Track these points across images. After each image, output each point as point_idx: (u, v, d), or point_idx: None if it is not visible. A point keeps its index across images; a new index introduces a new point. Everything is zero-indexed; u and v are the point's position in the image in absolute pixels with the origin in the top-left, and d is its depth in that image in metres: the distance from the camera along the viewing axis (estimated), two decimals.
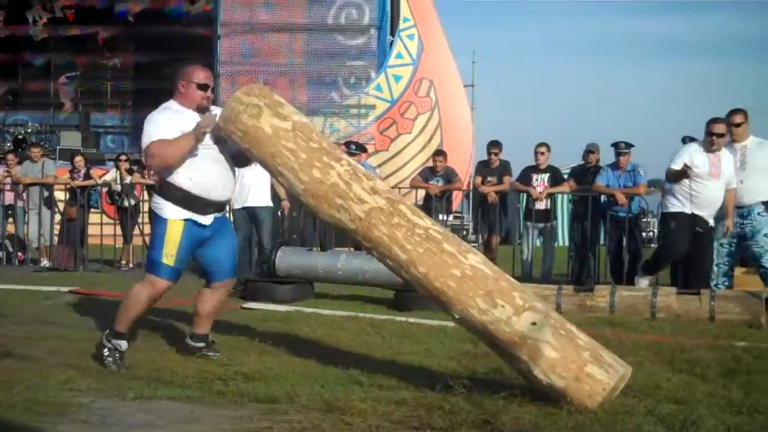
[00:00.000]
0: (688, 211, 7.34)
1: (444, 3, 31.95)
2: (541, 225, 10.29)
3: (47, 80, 21.24)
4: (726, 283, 7.73)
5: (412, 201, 10.84)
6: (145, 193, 11.94)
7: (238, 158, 4.82)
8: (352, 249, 8.76)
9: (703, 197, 7.30)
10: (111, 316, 5.07)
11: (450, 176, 10.84)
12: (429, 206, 10.51)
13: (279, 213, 10.60)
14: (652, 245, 14.76)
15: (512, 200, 11.12)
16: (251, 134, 4.41)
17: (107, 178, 12.22)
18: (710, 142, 7.32)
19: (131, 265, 11.71)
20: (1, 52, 19.67)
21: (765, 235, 7.60)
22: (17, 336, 5.57)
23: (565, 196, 11.26)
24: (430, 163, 11.48)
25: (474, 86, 18.34)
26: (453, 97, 17.30)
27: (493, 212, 10.48)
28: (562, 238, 14.93)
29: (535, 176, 10.26)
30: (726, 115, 7.63)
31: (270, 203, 9.25)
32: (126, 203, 11.80)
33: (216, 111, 4.75)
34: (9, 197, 12.20)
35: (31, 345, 5.23)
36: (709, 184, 7.31)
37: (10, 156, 12.77)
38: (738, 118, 7.68)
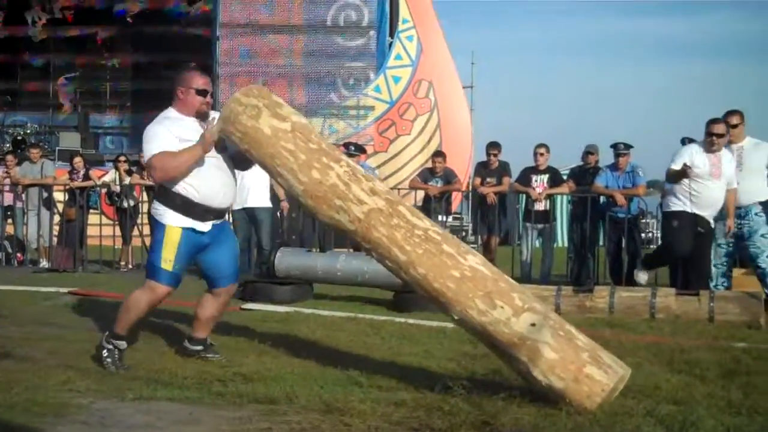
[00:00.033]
0: (690, 210, 7.34)
1: (443, 4, 31.95)
2: (540, 226, 10.29)
3: (46, 81, 21.24)
4: (725, 284, 7.75)
5: (412, 202, 10.85)
6: (144, 194, 11.93)
7: (238, 160, 4.82)
8: (351, 250, 8.76)
9: (704, 197, 7.30)
10: (110, 316, 5.07)
11: (449, 177, 10.85)
12: (428, 207, 10.51)
13: (278, 214, 10.61)
14: (652, 246, 14.76)
15: (511, 201, 11.12)
16: (250, 135, 4.41)
17: (106, 179, 12.21)
18: (710, 142, 7.33)
19: (130, 266, 11.70)
20: (0, 53, 19.67)
21: (762, 236, 7.63)
22: (16, 337, 5.56)
23: (565, 197, 11.28)
24: (430, 164, 11.49)
25: (473, 87, 18.41)
26: (452, 98, 17.31)
27: (492, 213, 10.48)
28: (562, 239, 14.94)
29: (534, 177, 10.26)
30: (722, 116, 7.64)
31: (269, 204, 9.25)
32: (125, 204, 11.79)
33: (215, 116, 4.74)
34: (8, 198, 12.19)
35: (30, 346, 5.23)
36: (710, 184, 7.31)
37: (9, 157, 12.75)
38: (734, 119, 7.70)
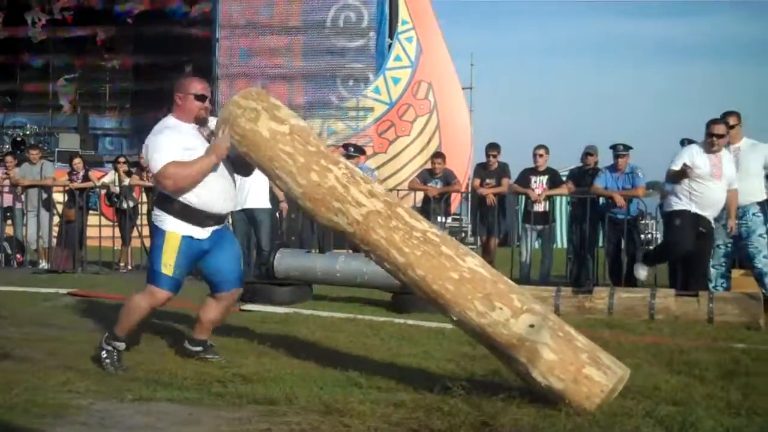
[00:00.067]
0: (692, 210, 7.35)
1: (442, 5, 31.97)
2: (539, 227, 10.30)
3: (46, 82, 21.24)
4: (724, 285, 7.77)
5: (411, 203, 10.85)
6: (144, 195, 11.94)
7: (239, 165, 4.80)
8: (350, 251, 8.76)
9: (705, 198, 7.32)
10: (110, 317, 5.07)
11: (448, 178, 10.85)
12: (428, 208, 10.51)
13: (277, 215, 10.61)
14: (651, 247, 14.76)
15: (511, 202, 11.12)
16: (249, 138, 4.41)
17: (106, 180, 12.21)
18: (710, 143, 7.34)
19: (130, 267, 11.71)
20: (0, 54, 19.67)
21: (760, 236, 7.69)
22: (16, 338, 5.56)
23: (564, 198, 11.27)
24: (429, 165, 11.49)
25: (472, 88, 18.41)
26: (451, 99, 17.32)
27: (491, 214, 10.48)
28: (561, 240, 14.93)
29: (533, 178, 10.27)
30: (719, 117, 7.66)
31: (268, 205, 9.24)
32: (124, 205, 11.79)
33: (214, 121, 4.74)
34: (7, 199, 12.18)
35: (30, 347, 5.23)
36: (711, 184, 7.33)
37: (9, 158, 12.75)
38: (731, 121, 7.73)
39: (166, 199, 4.68)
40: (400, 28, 17.13)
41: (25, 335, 5.70)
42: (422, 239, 4.10)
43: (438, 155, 11.31)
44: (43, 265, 11.54)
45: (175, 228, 4.65)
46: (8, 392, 3.95)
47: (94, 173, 12.61)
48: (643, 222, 12.26)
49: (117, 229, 11.90)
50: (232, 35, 16.98)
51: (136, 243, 11.75)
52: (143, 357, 4.98)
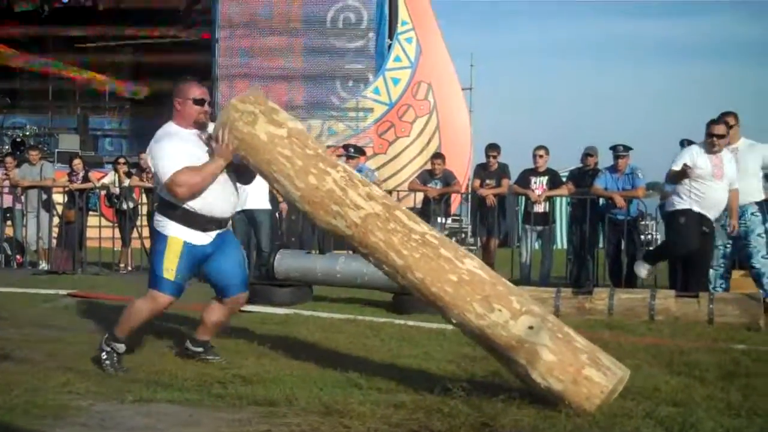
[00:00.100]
0: (695, 209, 7.36)
1: (442, 6, 31.96)
2: (539, 228, 10.30)
3: (45, 83, 21.23)
4: (723, 286, 7.78)
5: (411, 204, 10.85)
6: (144, 196, 11.94)
7: (240, 173, 4.79)
8: (350, 252, 8.74)
9: (707, 198, 7.33)
10: (110, 318, 5.07)
11: (448, 179, 10.85)
12: (428, 209, 10.52)
13: (277, 215, 10.61)
14: (651, 248, 14.76)
15: (511, 203, 11.12)
16: (247, 141, 4.42)
17: (105, 181, 12.21)
18: (711, 143, 7.35)
19: (130, 268, 11.71)
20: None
21: (758, 235, 7.74)
22: (16, 339, 5.57)
23: (564, 199, 11.27)
24: (429, 166, 11.49)
25: (472, 89, 18.38)
26: (451, 100, 17.31)
27: (491, 215, 10.49)
28: (561, 241, 14.94)
29: (533, 179, 10.27)
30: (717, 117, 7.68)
31: (268, 206, 9.25)
32: (124, 206, 11.79)
33: (212, 126, 4.73)
34: (7, 200, 12.19)
35: (30, 348, 5.23)
36: (713, 185, 7.34)
37: (9, 159, 12.76)
38: (729, 121, 7.73)
39: (168, 205, 4.66)
40: (399, 28, 17.13)
41: (25, 336, 5.70)
42: (421, 242, 4.10)
43: (438, 156, 11.31)
44: (43, 266, 11.54)
45: (176, 233, 4.63)
46: (8, 393, 3.96)
47: (93, 174, 12.61)
48: (643, 223, 12.25)
49: (117, 230, 11.90)
50: (231, 36, 16.98)
51: (136, 244, 11.75)
52: (143, 358, 4.98)
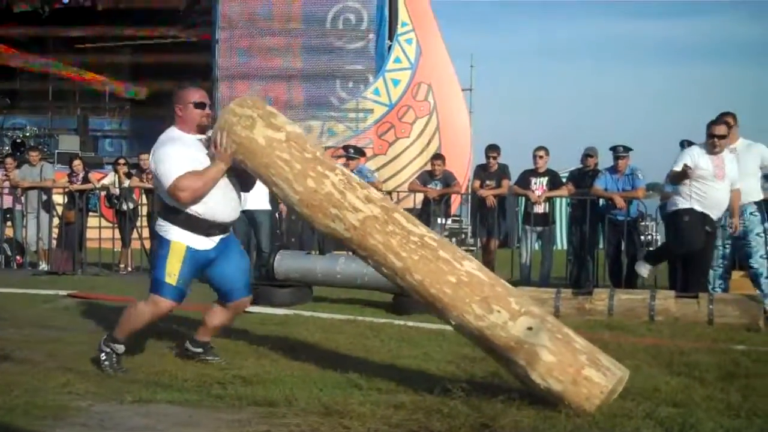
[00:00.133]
0: (698, 209, 7.36)
1: (442, 7, 31.90)
2: (539, 228, 10.30)
3: (45, 83, 21.23)
4: (722, 286, 7.80)
5: (411, 205, 10.85)
6: (144, 196, 11.94)
7: (242, 179, 4.77)
8: (350, 252, 8.75)
9: (709, 198, 7.34)
10: (110, 319, 5.07)
11: (448, 180, 10.85)
12: (428, 210, 10.52)
13: (277, 215, 10.61)
14: (651, 249, 14.76)
15: (511, 204, 11.12)
16: (245, 145, 4.42)
17: (105, 181, 12.20)
18: (712, 144, 7.36)
19: (129, 269, 11.71)
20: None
21: (757, 234, 7.77)
22: (16, 339, 5.57)
23: (564, 199, 11.27)
24: (429, 167, 11.49)
25: (472, 90, 18.36)
26: (451, 100, 17.31)
27: (491, 216, 10.49)
28: (561, 241, 14.93)
29: (533, 180, 10.27)
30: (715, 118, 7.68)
31: (268, 206, 9.25)
32: (124, 207, 11.79)
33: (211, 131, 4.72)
34: (7, 201, 12.18)
35: (30, 348, 5.23)
36: (715, 185, 7.35)
37: (9, 159, 12.75)
38: (729, 122, 7.74)
39: (171, 209, 4.65)
40: (399, 29, 17.13)
41: (25, 337, 5.71)
42: (419, 244, 4.10)
43: (438, 157, 11.31)
44: (43, 266, 11.53)
45: (179, 238, 4.62)
46: (8, 394, 3.96)
47: (93, 175, 12.60)
48: (643, 223, 12.25)
49: (117, 231, 11.89)
50: (231, 36, 16.98)
51: (136, 245, 11.75)
52: (143, 359, 4.98)
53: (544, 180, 10.24)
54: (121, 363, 4.70)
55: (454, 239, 15.89)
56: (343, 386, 4.32)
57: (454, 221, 15.91)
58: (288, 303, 7.63)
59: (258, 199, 8.87)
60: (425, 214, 10.43)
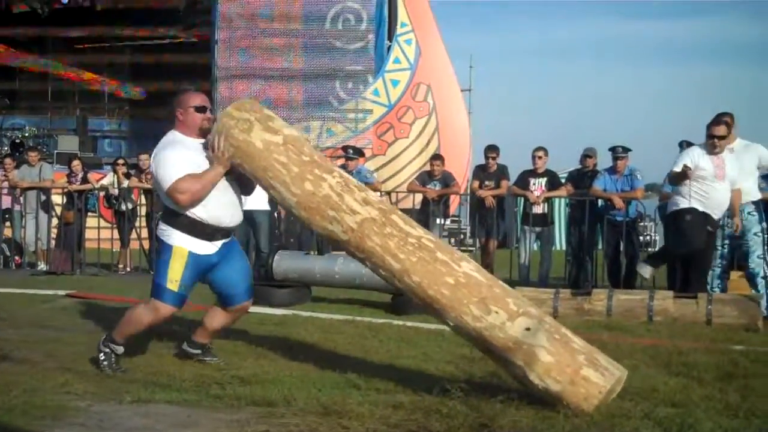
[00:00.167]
0: (700, 209, 7.36)
1: (441, 7, 31.91)
2: (538, 229, 10.30)
3: (45, 83, 21.23)
4: (720, 286, 7.81)
5: (410, 205, 10.86)
6: (143, 197, 11.95)
7: (243, 182, 4.77)
8: None
9: (710, 199, 7.34)
10: (108, 319, 5.07)
11: (447, 180, 10.85)
12: (427, 210, 10.53)
13: (275, 215, 10.61)
14: (650, 249, 14.78)
15: (510, 204, 11.13)
16: (242, 149, 4.42)
17: (104, 182, 12.21)
18: (712, 144, 7.36)
19: (128, 269, 11.71)
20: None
21: (755, 234, 7.78)
22: (14, 339, 5.56)
23: (563, 200, 11.27)
24: (428, 168, 11.49)
25: (471, 90, 18.42)
26: (450, 101, 17.31)
27: (490, 216, 10.49)
28: (560, 242, 14.95)
29: (532, 180, 10.27)
30: (713, 119, 7.68)
31: (267, 207, 9.24)
32: (123, 207, 11.79)
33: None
34: (6, 201, 12.18)
35: (29, 348, 5.23)
36: (715, 185, 7.35)
37: (8, 160, 12.75)
38: (727, 122, 7.75)
39: (173, 213, 4.63)
40: (399, 30, 17.14)
41: (24, 337, 5.70)
42: (417, 245, 4.11)
43: (437, 157, 11.31)
44: (42, 266, 11.53)
45: (182, 243, 4.59)
46: (7, 394, 3.96)
47: (92, 175, 12.61)
48: (641, 224, 12.26)
49: (116, 231, 11.90)
50: (231, 36, 16.97)
51: (134, 245, 11.75)
52: (141, 359, 4.98)
53: (543, 180, 10.24)
54: (120, 363, 4.70)
55: (453, 240, 15.90)
56: (341, 386, 4.32)
57: (453, 222, 15.90)
58: (286, 303, 7.63)
59: (256, 199, 8.81)
60: (424, 214, 10.45)
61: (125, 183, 11.86)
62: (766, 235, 8.02)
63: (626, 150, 9.71)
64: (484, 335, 3.94)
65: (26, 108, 21.54)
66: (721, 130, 7.38)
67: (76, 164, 12.33)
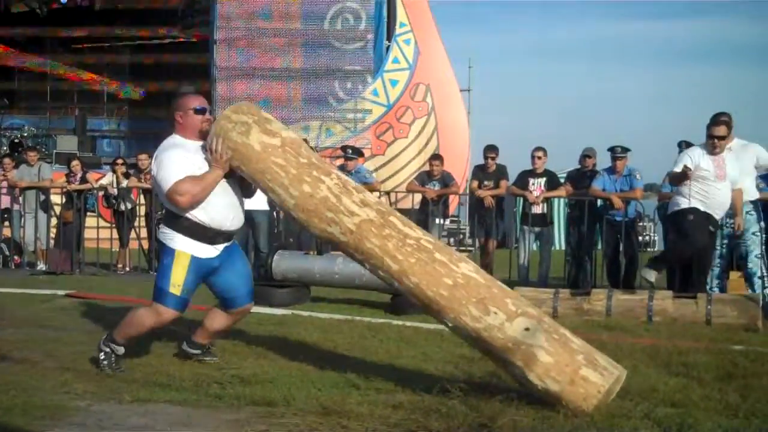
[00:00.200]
0: (702, 209, 7.36)
1: (440, 7, 31.86)
2: (537, 229, 10.30)
3: (44, 83, 21.22)
4: (719, 286, 7.82)
5: (409, 205, 10.86)
6: (142, 197, 11.94)
7: (244, 186, 4.76)
8: None
9: (712, 199, 7.34)
10: (108, 319, 5.06)
11: (447, 180, 10.85)
12: (426, 210, 10.52)
13: (275, 215, 10.60)
14: (649, 249, 14.78)
15: (509, 204, 11.13)
16: (241, 151, 4.42)
17: (104, 181, 12.20)
18: (712, 144, 7.37)
19: (127, 269, 11.70)
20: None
21: (753, 233, 7.81)
22: (14, 339, 5.57)
23: (562, 200, 11.27)
24: (427, 168, 11.49)
25: (470, 90, 18.43)
26: (449, 101, 17.32)
27: (489, 216, 10.49)
28: (559, 242, 14.94)
29: (531, 180, 10.27)
30: (711, 119, 7.69)
31: (266, 207, 9.24)
32: (122, 207, 11.78)
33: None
34: (5, 201, 12.16)
35: (28, 348, 5.23)
36: (716, 185, 7.35)
37: (7, 160, 12.73)
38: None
39: (174, 216, 4.62)
40: (398, 30, 17.15)
41: (23, 337, 5.70)
42: (416, 246, 4.11)
43: (436, 157, 11.31)
44: (41, 266, 11.52)
45: (183, 246, 4.58)
46: (6, 393, 3.96)
47: (92, 175, 12.59)
48: (640, 224, 12.23)
49: (115, 231, 11.89)
50: (230, 36, 16.97)
51: (134, 245, 11.75)
52: (141, 359, 4.97)
53: (542, 180, 10.24)
54: (120, 363, 4.69)
55: (452, 240, 15.91)
56: (341, 386, 4.33)
57: (452, 222, 15.91)
58: (286, 303, 7.63)
59: (256, 199, 8.82)
60: (423, 214, 10.44)
61: (124, 183, 11.85)
62: (764, 235, 8.04)
63: (625, 150, 9.71)
64: (483, 336, 3.94)
65: (25, 108, 21.54)
66: (721, 130, 7.39)
67: (75, 164, 12.32)
